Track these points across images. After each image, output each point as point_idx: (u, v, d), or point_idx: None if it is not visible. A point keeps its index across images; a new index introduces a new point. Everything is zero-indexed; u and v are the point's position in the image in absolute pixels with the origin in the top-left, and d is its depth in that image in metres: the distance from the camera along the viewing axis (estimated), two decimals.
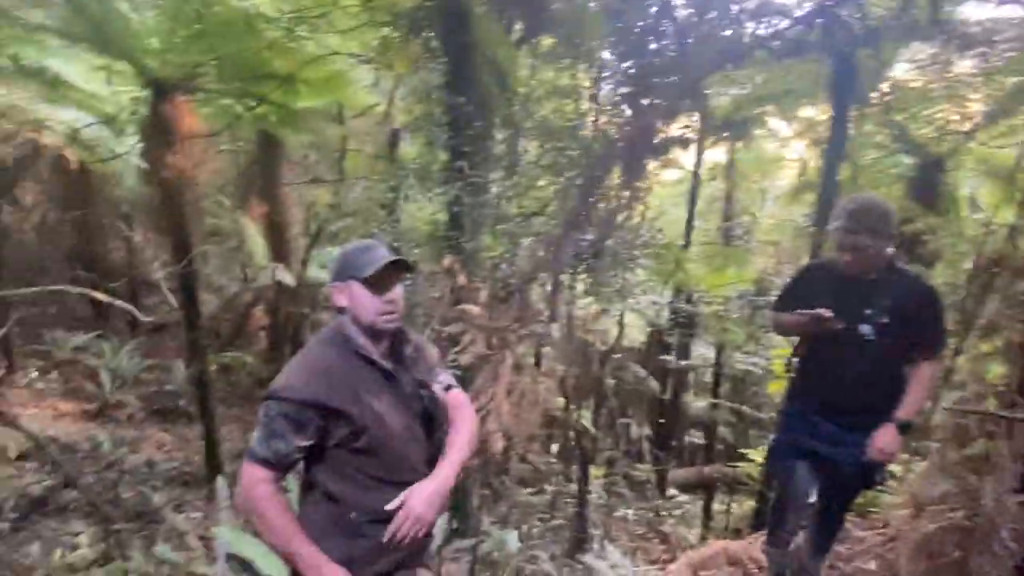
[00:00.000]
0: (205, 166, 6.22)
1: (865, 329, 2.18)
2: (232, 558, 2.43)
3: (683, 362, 7.32)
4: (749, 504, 7.10)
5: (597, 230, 3.28)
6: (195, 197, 6.46)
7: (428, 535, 1.95)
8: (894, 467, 2.69)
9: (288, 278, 7.56)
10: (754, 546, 2.74)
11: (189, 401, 6.41)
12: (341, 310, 1.82)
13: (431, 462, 1.81)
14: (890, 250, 2.21)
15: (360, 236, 8.23)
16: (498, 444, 3.35)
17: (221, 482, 2.86)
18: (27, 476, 4.25)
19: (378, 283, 1.74)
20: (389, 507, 1.71)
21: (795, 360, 2.53)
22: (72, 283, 6.87)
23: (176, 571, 2.90)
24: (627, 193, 3.08)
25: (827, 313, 2.15)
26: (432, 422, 1.86)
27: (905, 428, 2.17)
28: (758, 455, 7.41)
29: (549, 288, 3.65)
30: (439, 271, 3.80)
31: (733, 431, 10.91)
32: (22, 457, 4.50)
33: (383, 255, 1.76)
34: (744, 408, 9.70)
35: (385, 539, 1.70)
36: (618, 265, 4.02)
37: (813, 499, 2.41)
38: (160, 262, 8.62)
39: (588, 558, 4.67)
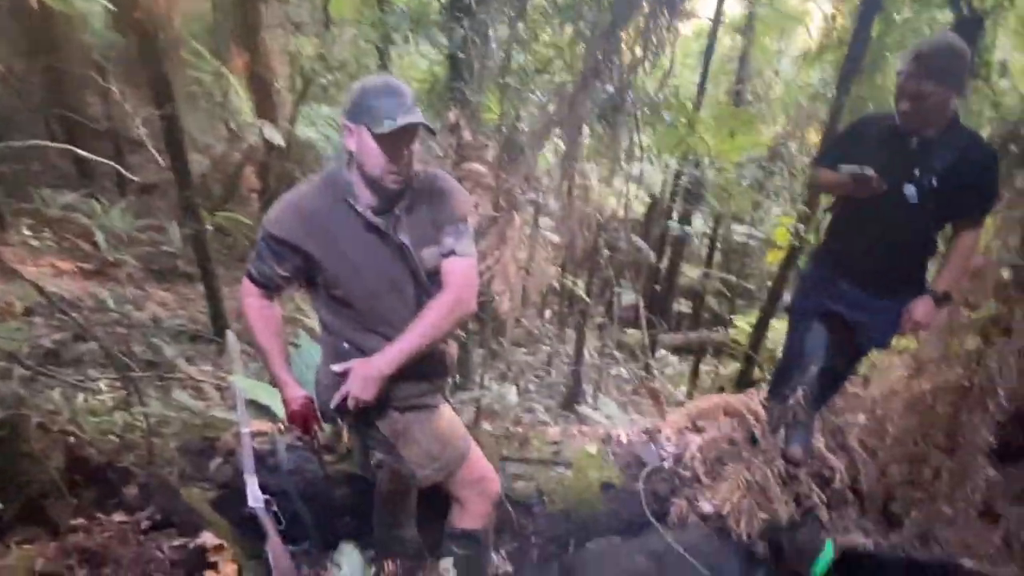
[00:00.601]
0: (179, 7, 5.66)
1: (910, 191, 2.06)
2: (250, 404, 2.51)
3: (686, 228, 7.29)
4: (734, 366, 7.48)
5: (617, 83, 3.04)
6: (171, 44, 5.95)
7: (439, 381, 1.98)
8: None
9: (277, 137, 7.22)
10: (752, 399, 2.87)
11: (188, 261, 6.39)
12: (349, 152, 1.70)
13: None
14: (955, 103, 2.00)
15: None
16: (505, 305, 3.38)
17: (231, 335, 2.88)
18: (36, 330, 4.31)
19: (391, 141, 1.60)
20: (335, 368, 1.76)
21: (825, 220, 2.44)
22: (48, 140, 6.53)
23: (195, 416, 3.02)
24: (652, 40, 2.81)
25: (870, 173, 2.03)
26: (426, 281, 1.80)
27: (942, 300, 2.15)
28: (744, 322, 7.77)
29: (562, 147, 3.46)
30: (441, 127, 3.59)
31: (720, 301, 11.24)
32: (28, 312, 4.53)
33: (403, 110, 1.58)
34: (733, 279, 9.91)
35: (332, 405, 1.77)
36: (634, 125, 3.80)
37: (820, 362, 2.47)
38: (141, 118, 8.17)
39: (583, 408, 4.96)
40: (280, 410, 2.75)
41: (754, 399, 2.87)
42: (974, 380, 2.32)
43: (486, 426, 3.43)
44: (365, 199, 1.71)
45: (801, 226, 4.37)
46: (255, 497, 2.18)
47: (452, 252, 1.76)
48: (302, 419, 1.88)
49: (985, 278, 2.34)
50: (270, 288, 1.81)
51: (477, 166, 3.13)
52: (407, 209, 1.74)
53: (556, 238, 4.70)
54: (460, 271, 1.77)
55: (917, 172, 2.03)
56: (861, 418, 2.86)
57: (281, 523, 2.19)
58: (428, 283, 1.80)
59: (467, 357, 5.02)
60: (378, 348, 1.75)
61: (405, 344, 1.71)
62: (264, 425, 2.57)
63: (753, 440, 2.76)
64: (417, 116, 1.60)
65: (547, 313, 9.57)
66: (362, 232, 1.70)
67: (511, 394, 4.97)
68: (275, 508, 2.20)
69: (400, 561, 2.22)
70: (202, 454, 2.55)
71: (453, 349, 2.07)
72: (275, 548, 2.15)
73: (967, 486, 2.41)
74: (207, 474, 2.49)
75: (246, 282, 1.82)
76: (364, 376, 1.71)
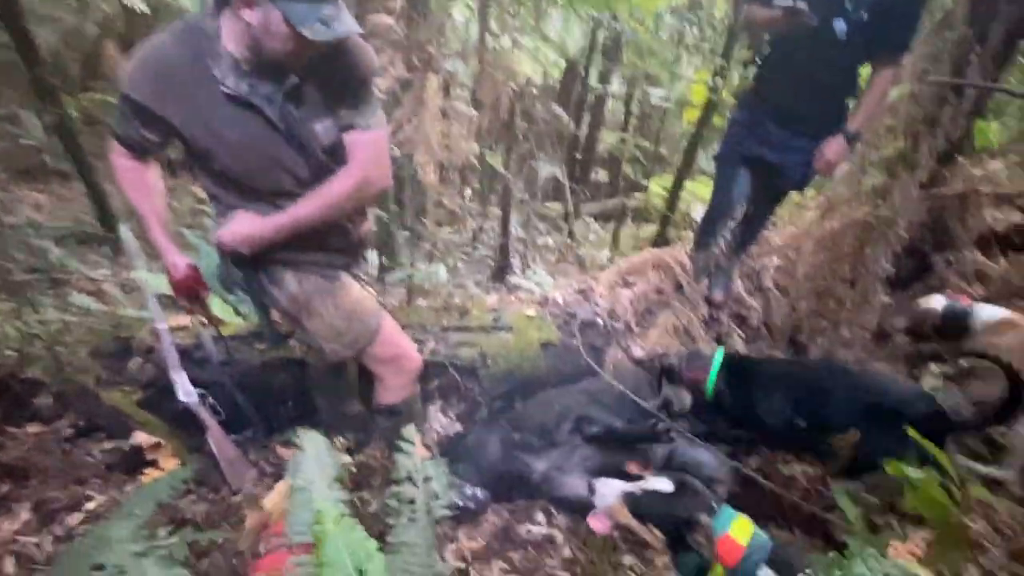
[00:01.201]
0: None
1: (839, 27, 2.04)
2: (165, 299, 2.32)
3: (606, 86, 7.12)
4: (651, 228, 7.77)
5: None
6: None
7: (342, 256, 1.87)
8: None
9: (136, 1, 6.18)
10: (678, 252, 2.97)
11: (57, 157, 5.60)
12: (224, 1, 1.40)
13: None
14: None
15: None
16: (429, 176, 3.21)
17: (125, 230, 2.59)
18: None
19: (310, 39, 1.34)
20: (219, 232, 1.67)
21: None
22: None
23: (102, 320, 2.78)
24: None
25: (802, 6, 1.97)
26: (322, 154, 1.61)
27: (854, 138, 2.21)
28: (659, 185, 8.02)
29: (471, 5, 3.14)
30: None
31: (635, 168, 11.40)
32: None
33: (335, 8, 1.34)
34: (649, 145, 9.98)
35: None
36: None
37: (742, 209, 2.55)
38: None
39: (513, 278, 5.03)
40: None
41: (681, 252, 2.97)
42: (878, 215, 2.48)
43: (421, 302, 3.40)
44: (233, 60, 1.42)
45: (719, 79, 4.34)
46: (186, 392, 2.08)
47: (351, 126, 1.55)
48: (186, 288, 1.81)
49: (897, 116, 2.43)
50: (139, 151, 1.61)
51: (385, 18, 2.79)
52: (313, 78, 1.48)
53: (471, 111, 4.44)
54: (365, 146, 1.57)
55: (849, 6, 2.00)
56: (775, 260, 3.05)
57: (220, 414, 2.13)
58: (328, 160, 1.60)
59: (391, 238, 4.87)
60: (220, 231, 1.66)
61: (293, 213, 1.57)
62: (184, 319, 2.40)
63: (679, 289, 2.90)
64: (352, 23, 1.37)
65: (467, 192, 9.37)
66: (226, 102, 1.44)
67: (440, 271, 4.93)
68: (211, 400, 2.12)
69: (348, 436, 2.24)
70: (116, 356, 2.38)
71: (366, 225, 1.94)
72: (216, 438, 2.09)
73: (865, 312, 2.67)
74: (127, 375, 2.34)
75: (112, 144, 1.61)
76: (240, 223, 1.60)
